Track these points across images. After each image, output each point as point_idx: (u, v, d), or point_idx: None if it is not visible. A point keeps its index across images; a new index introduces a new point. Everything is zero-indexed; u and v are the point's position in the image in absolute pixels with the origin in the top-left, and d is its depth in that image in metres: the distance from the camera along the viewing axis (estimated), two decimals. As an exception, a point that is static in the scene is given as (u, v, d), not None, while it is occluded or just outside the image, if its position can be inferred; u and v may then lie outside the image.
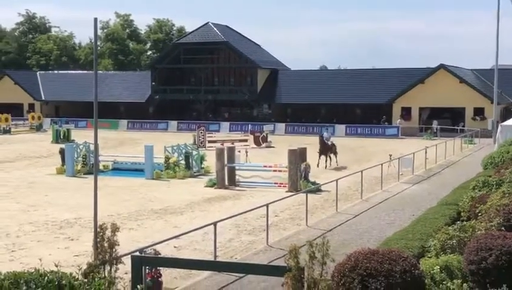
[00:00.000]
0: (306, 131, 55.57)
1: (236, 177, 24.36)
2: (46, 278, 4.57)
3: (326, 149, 30.24)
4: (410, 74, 57.19)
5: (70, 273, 4.90)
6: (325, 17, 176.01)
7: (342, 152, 32.49)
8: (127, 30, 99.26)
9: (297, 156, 23.16)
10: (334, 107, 59.40)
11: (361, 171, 21.60)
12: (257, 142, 42.92)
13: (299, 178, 22.83)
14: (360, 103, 58.71)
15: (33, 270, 4.71)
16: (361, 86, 58.63)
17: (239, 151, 26.97)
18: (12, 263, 12.66)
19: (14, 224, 16.97)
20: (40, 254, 13.29)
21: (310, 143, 32.51)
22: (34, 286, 4.42)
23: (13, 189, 23.70)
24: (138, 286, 7.32)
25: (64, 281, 4.60)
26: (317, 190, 21.60)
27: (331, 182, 19.96)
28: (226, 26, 70.50)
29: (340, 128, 54.60)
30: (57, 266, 4.96)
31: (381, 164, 23.93)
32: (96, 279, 5.86)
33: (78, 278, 4.85)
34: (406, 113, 55.78)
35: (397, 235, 12.40)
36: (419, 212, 17.09)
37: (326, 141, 30.41)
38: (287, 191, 22.09)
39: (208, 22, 68.16)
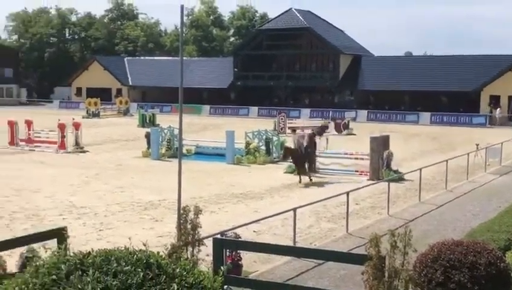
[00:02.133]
0: (389, 118, 54.63)
1: (317, 164, 24.28)
2: (135, 256, 4.74)
3: (298, 157, 22.35)
4: (499, 61, 54.95)
5: (158, 252, 5.06)
6: (411, 1, 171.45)
7: (425, 141, 31.79)
8: (211, 17, 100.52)
9: (380, 144, 22.80)
10: (419, 95, 57.99)
11: (446, 161, 21.02)
12: (338, 129, 42.57)
13: (381, 166, 22.48)
14: (446, 90, 57.04)
15: (123, 249, 4.89)
16: (448, 73, 56.91)
17: (319, 138, 26.85)
18: (100, 241, 13.18)
19: (102, 204, 17.65)
20: (126, 233, 13.79)
21: (393, 131, 31.89)
22: (123, 264, 4.59)
23: (102, 171, 24.64)
24: (222, 267, 7.46)
25: (152, 260, 4.75)
26: (399, 178, 21.20)
27: (415, 171, 19.55)
28: (309, 11, 70.07)
29: (425, 116, 53.32)
30: (144, 245, 5.14)
31: (467, 154, 23.19)
32: (181, 259, 6.02)
33: (164, 258, 5.00)
34: (495, 101, 53.72)
35: (482, 227, 12.04)
36: (506, 204, 16.48)
37: (299, 147, 22.29)
38: (368, 180, 21.83)
39: (290, 8, 68.01)
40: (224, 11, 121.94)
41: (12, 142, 31.85)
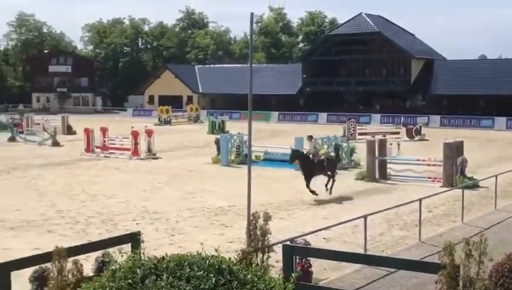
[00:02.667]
0: (463, 124, 53.20)
1: (388, 170, 23.89)
2: (207, 261, 4.81)
3: (312, 170, 19.80)
4: None
5: (229, 258, 5.11)
6: (484, 3, 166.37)
7: (501, 146, 30.76)
8: (280, 23, 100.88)
9: (453, 150, 22.21)
10: (494, 99, 56.17)
11: (524, 167, 20.26)
12: (410, 135, 41.77)
13: (454, 173, 21.89)
14: (523, 94, 55.01)
15: (195, 254, 4.97)
16: (526, 77, 54.91)
17: (390, 144, 26.42)
18: (172, 246, 13.40)
19: (173, 210, 17.97)
20: (196, 239, 13.99)
21: (467, 136, 31.00)
22: (196, 269, 4.66)
23: (173, 177, 25.10)
24: (293, 274, 7.45)
25: (223, 265, 4.81)
26: (474, 185, 20.57)
27: (490, 177, 18.92)
28: (379, 16, 69.25)
29: (501, 121, 51.64)
30: (216, 250, 5.20)
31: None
32: (253, 265, 6.06)
33: (236, 263, 5.05)
34: None
35: None
36: None
37: (311, 157, 20.23)
38: (441, 186, 21.30)
39: (360, 13, 67.41)
40: (293, 17, 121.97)
41: (88, 149, 32.92)
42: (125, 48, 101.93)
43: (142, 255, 5.05)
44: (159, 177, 24.88)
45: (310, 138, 20.96)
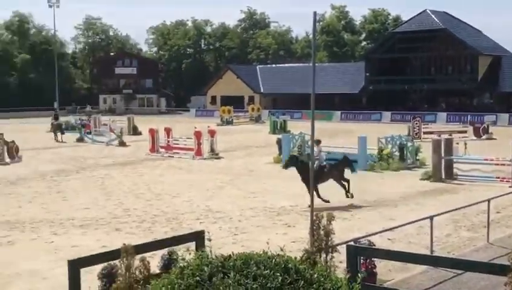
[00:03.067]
0: (533, 122, 51.41)
1: (454, 170, 23.32)
2: (273, 260, 4.83)
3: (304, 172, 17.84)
4: None
5: (295, 257, 5.12)
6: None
7: None
8: (342, 22, 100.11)
9: (523, 149, 21.48)
10: None
11: None
12: (477, 134, 40.67)
13: (524, 173, 21.16)
14: None
15: (261, 252, 5.01)
16: None
17: (457, 143, 25.78)
18: (235, 245, 13.51)
19: (236, 209, 18.11)
20: (259, 238, 14.05)
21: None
22: (263, 267, 4.69)
23: (235, 176, 25.30)
24: (359, 274, 7.39)
25: (290, 265, 4.82)
26: (545, 186, 19.82)
27: None
28: (445, 12, 67.72)
29: None
30: (282, 249, 5.22)
31: None
32: (318, 265, 6.05)
33: (302, 263, 5.05)
34: None
35: None
36: None
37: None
38: (510, 187, 20.64)
39: (425, 10, 66.08)
40: (355, 15, 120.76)
41: (153, 149, 33.57)
42: (188, 50, 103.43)
43: (209, 253, 5.12)
44: (222, 176, 25.12)
45: (318, 142, 19.63)
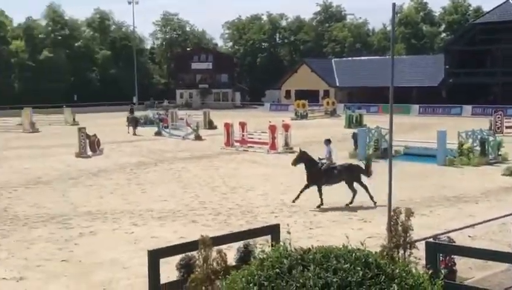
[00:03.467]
0: None
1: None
2: (353, 254, 4.78)
3: (317, 177, 17.68)
4: None
5: (376, 252, 5.04)
6: None
7: None
8: (421, 13, 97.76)
9: None
10: None
11: None
12: None
13: None
14: None
15: (341, 247, 4.96)
16: None
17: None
18: (310, 240, 13.45)
19: (311, 203, 17.98)
20: (335, 233, 13.97)
21: None
22: (343, 261, 4.65)
23: (310, 170, 25.16)
24: (442, 271, 7.21)
25: (370, 259, 4.76)
26: None
27: None
28: (529, 2, 64.91)
29: None
30: (362, 244, 5.15)
31: None
32: (400, 260, 5.94)
33: (383, 257, 4.97)
34: None
35: None
36: None
37: (320, 163, 18.06)
38: None
39: (507, 0, 63.56)
40: (434, 6, 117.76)
41: (228, 143, 33.92)
42: (263, 44, 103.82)
43: (288, 246, 5.12)
44: (296, 171, 25.01)
45: (328, 142, 18.64)
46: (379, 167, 24.63)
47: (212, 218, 16.42)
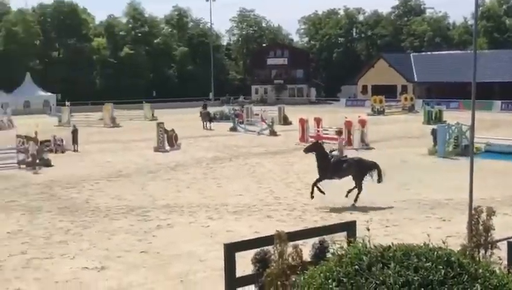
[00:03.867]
0: None
1: None
2: (435, 253, 4.67)
3: (325, 168, 17.40)
4: None
5: (458, 251, 4.91)
6: None
7: None
8: (504, 6, 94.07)
9: None
10: None
11: None
12: None
13: None
14: None
15: (422, 245, 4.86)
16: None
17: None
18: (387, 237, 13.20)
19: (387, 201, 17.72)
20: (412, 231, 13.71)
21: None
22: (424, 260, 4.56)
23: (386, 167, 24.62)
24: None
25: (453, 258, 4.63)
26: None
27: None
28: None
29: None
30: (444, 242, 5.03)
31: None
32: (482, 260, 5.77)
33: (466, 257, 4.83)
34: None
35: None
36: None
37: (330, 155, 17.88)
38: None
39: None
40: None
41: (302, 139, 33.85)
42: (340, 39, 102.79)
43: (367, 243, 5.06)
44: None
45: (340, 133, 18.42)
46: (459, 164, 24.00)
47: (287, 213, 16.45)
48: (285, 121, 47.54)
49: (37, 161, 26.12)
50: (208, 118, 46.48)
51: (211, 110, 53.32)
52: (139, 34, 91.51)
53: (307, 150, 18.10)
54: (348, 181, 17.50)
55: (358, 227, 9.23)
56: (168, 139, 32.50)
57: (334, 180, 17.56)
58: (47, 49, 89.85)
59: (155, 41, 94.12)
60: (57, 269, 11.88)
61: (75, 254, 12.93)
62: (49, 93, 77.12)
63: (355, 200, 17.13)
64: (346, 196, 17.14)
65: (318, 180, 17.34)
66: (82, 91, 79.89)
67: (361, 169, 17.45)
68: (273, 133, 39.45)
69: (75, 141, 33.14)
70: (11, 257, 12.73)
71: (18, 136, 27.81)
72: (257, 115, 46.07)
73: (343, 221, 11.47)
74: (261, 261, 8.33)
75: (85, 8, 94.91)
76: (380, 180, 17.56)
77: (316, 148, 17.85)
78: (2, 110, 55.33)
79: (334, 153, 17.83)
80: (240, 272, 8.42)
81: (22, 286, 10.90)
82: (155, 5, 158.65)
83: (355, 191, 17.21)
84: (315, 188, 17.19)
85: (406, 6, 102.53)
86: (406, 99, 62.19)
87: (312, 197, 17.12)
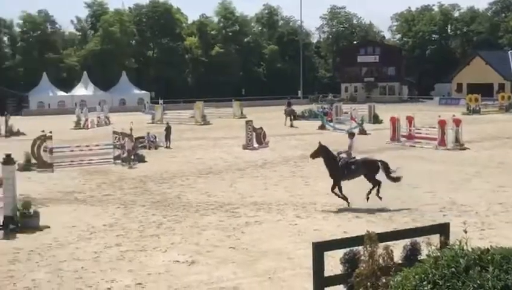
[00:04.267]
0: None
1: None
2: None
3: (336, 171, 17.26)
4: None
5: None
6: None
7: None
8: None
9: None
10: None
11: None
12: None
13: None
14: None
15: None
16: None
17: None
18: (482, 241, 12.73)
19: (483, 203, 17.10)
20: (510, 235, 13.12)
21: None
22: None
23: (482, 168, 23.88)
24: None
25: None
26: None
27: None
28: None
29: None
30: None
31: None
32: None
33: None
34: None
35: None
36: None
37: (338, 157, 17.57)
38: None
39: None
40: None
41: (393, 138, 33.17)
42: (434, 36, 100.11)
43: (464, 246, 4.89)
44: (467, 168, 23.89)
45: (352, 135, 17.73)
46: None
47: (377, 214, 16.17)
48: (375, 119, 46.82)
49: (132, 156, 27.04)
50: (291, 115, 46.87)
51: (299, 108, 53.31)
52: (230, 33, 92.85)
53: (314, 155, 17.84)
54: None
55: (452, 229, 8.93)
56: (257, 137, 32.77)
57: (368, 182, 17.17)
58: (142, 48, 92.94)
59: (245, 39, 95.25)
60: (149, 262, 12.24)
61: (167, 247, 13.27)
62: (144, 92, 79.79)
63: (378, 195, 16.71)
64: (367, 199, 16.72)
65: (334, 185, 17.15)
66: (174, 89, 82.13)
67: (369, 167, 17.14)
68: (363, 131, 38.92)
69: (168, 137, 34.11)
70: (106, 249, 13.24)
71: (114, 132, 28.88)
72: (346, 113, 45.61)
73: (435, 223, 11.14)
74: (350, 262, 8.21)
75: (178, 8, 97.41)
76: (389, 176, 17.15)
77: (322, 152, 17.59)
78: (100, 108, 57.69)
79: (342, 155, 17.56)
80: (328, 272, 8.35)
81: (117, 277, 11.30)
82: (246, 3, 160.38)
83: (375, 189, 16.89)
84: (340, 193, 17.04)
85: (504, 2, 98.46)
86: (503, 98, 59.76)
87: (347, 201, 16.90)
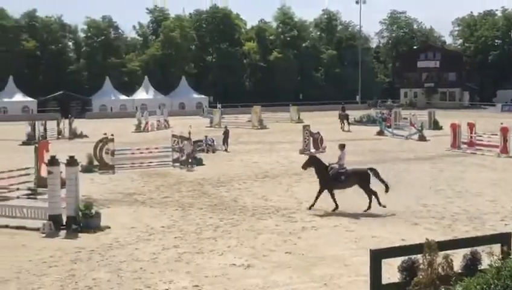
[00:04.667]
0: None
1: None
2: None
3: (326, 181, 17.71)
4: None
5: None
6: None
7: None
8: None
9: None
10: None
11: None
12: None
13: None
14: None
15: None
16: None
17: None
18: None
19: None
20: None
21: None
22: None
23: (547, 178, 23.12)
24: None
25: None
26: None
27: None
28: None
29: None
30: None
31: None
32: None
33: None
34: None
35: None
36: None
37: (329, 168, 17.92)
38: None
39: None
40: None
41: (454, 145, 32.48)
42: (496, 41, 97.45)
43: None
44: (531, 177, 23.16)
45: (342, 146, 17.94)
46: None
47: (436, 222, 15.89)
48: (435, 125, 45.96)
49: (190, 159, 27.43)
50: (346, 119, 47.53)
51: (357, 113, 52.81)
52: (288, 38, 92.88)
53: (305, 166, 18.38)
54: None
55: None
56: (314, 142, 32.67)
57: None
58: (201, 53, 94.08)
59: (303, 44, 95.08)
60: (206, 264, 12.39)
61: (223, 250, 13.40)
62: (202, 96, 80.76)
63: (379, 203, 16.97)
64: (368, 208, 17.08)
65: (332, 195, 17.49)
66: (232, 94, 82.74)
67: (360, 177, 17.45)
68: (422, 138, 38.26)
69: (225, 141, 34.46)
70: (164, 250, 13.48)
71: (173, 135, 29.35)
72: (405, 119, 44.92)
73: (497, 232, 10.87)
74: (408, 270, 8.11)
75: (238, 13, 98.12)
76: (381, 179, 17.43)
77: (313, 163, 18.16)
78: (159, 111, 58.71)
79: (333, 165, 17.83)
80: (385, 279, 8.27)
81: (174, 279, 11.50)
82: (305, 9, 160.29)
83: (375, 199, 17.19)
84: (316, 201, 17.61)
85: None
86: None
87: (309, 208, 17.56)
